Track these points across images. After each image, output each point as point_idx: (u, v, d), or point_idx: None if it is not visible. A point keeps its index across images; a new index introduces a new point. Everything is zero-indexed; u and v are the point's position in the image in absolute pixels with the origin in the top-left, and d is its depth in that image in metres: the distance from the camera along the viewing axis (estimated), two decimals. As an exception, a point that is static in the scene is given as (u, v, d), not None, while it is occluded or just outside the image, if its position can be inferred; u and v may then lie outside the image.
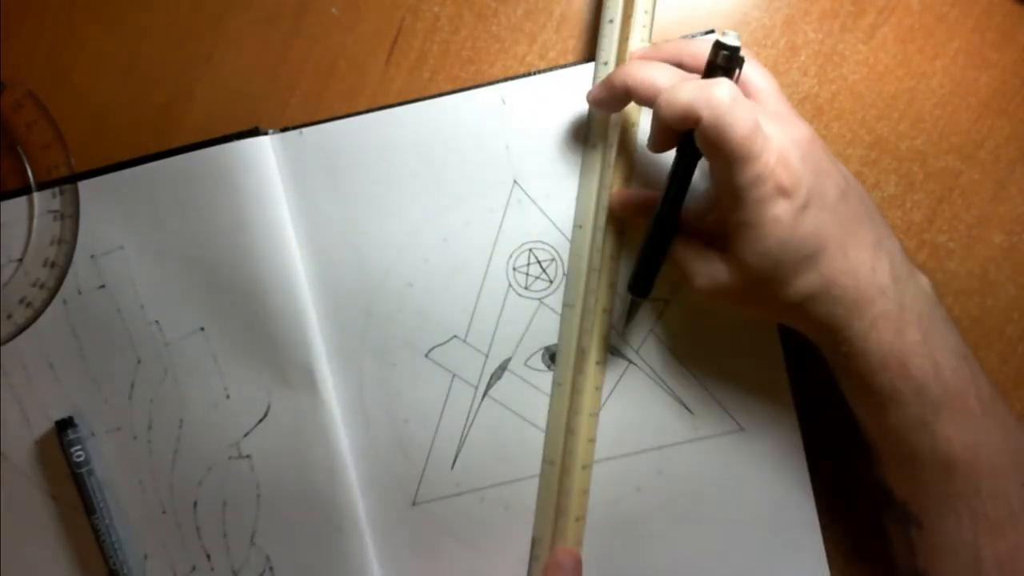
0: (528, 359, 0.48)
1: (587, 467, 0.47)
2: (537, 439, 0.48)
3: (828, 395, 0.48)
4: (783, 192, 0.36)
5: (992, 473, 0.38)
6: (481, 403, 0.48)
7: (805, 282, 0.38)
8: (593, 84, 0.46)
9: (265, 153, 0.47)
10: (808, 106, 0.48)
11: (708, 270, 0.40)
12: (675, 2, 0.48)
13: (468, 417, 0.48)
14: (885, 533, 0.43)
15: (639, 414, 0.47)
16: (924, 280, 0.41)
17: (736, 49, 0.38)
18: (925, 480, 0.39)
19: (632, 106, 0.44)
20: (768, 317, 0.43)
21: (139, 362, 0.48)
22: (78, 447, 0.47)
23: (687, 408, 0.47)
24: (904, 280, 0.39)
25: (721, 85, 0.36)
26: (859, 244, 0.38)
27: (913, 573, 0.41)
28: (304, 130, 0.47)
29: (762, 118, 0.37)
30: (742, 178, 0.36)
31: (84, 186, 0.47)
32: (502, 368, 0.48)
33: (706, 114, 0.35)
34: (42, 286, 0.47)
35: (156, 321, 0.48)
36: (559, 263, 0.47)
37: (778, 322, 0.45)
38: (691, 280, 0.40)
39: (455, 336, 0.48)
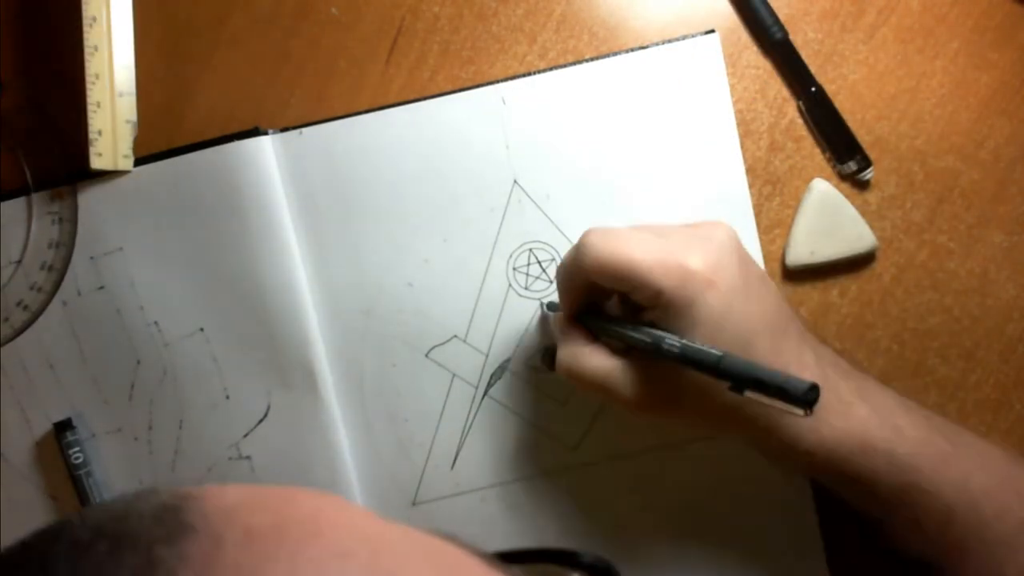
0: (528, 359, 0.48)
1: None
2: (537, 439, 0.48)
3: (828, 395, 0.48)
4: (708, 284, 0.36)
5: (988, 496, 0.38)
6: (481, 403, 0.48)
7: None
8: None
9: (265, 153, 0.47)
10: (808, 106, 0.48)
11: (636, 384, 0.39)
12: (675, 3, 0.48)
13: (468, 417, 0.48)
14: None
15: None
16: (829, 352, 0.41)
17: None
18: (932, 534, 0.39)
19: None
20: (706, 426, 0.41)
21: (139, 363, 0.48)
22: (76, 448, 0.47)
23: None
24: (826, 361, 0.39)
25: (587, 234, 0.38)
26: (785, 335, 0.38)
27: None
28: (304, 130, 0.47)
29: (666, 229, 0.39)
30: (652, 279, 0.36)
31: (83, 187, 0.47)
32: (502, 368, 0.48)
33: (585, 259, 0.38)
34: (39, 289, 0.47)
35: (156, 322, 0.47)
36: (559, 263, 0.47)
37: (718, 434, 0.42)
38: (618, 396, 0.39)
39: (455, 336, 0.48)
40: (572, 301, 0.42)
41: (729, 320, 0.37)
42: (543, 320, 0.47)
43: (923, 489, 0.38)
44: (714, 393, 0.36)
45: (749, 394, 0.33)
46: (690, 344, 0.36)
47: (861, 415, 0.38)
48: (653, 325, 0.38)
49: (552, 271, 0.47)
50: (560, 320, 0.43)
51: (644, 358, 0.39)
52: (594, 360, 0.40)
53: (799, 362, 0.38)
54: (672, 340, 0.37)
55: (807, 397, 0.32)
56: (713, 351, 0.35)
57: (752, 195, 0.47)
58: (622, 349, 0.40)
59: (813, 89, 0.47)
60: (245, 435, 0.48)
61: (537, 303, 0.47)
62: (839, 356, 0.41)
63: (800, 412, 0.32)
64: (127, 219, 0.47)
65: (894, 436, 0.38)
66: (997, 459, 0.40)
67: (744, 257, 0.39)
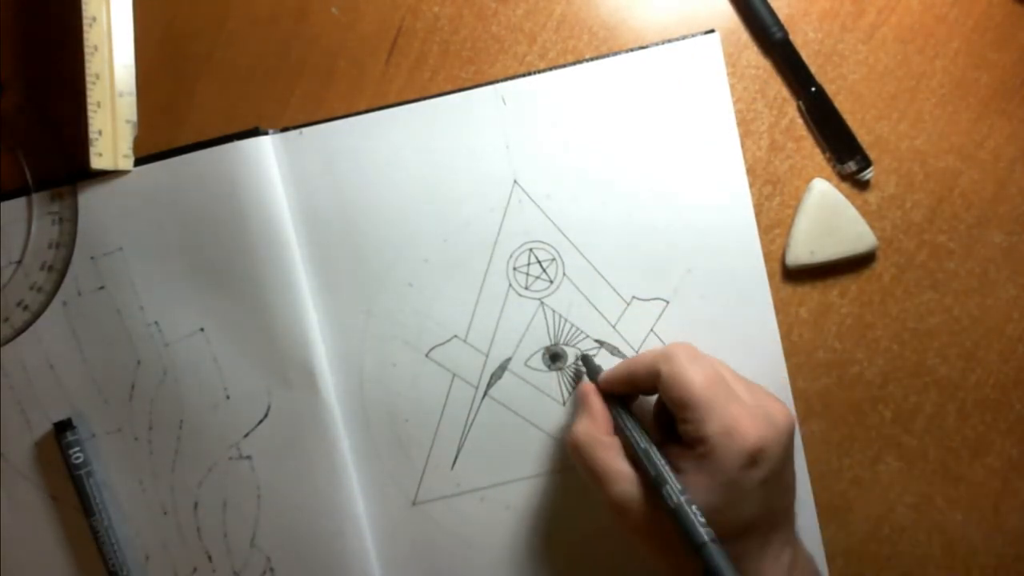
0: (528, 359, 0.48)
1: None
2: (537, 439, 0.48)
3: (828, 395, 0.48)
4: (753, 461, 0.37)
5: None
6: (481, 403, 0.48)
7: None
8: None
9: (265, 153, 0.47)
10: (808, 106, 0.48)
11: (632, 503, 0.39)
12: (675, 3, 0.48)
13: (468, 417, 0.48)
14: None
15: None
16: (808, 563, 0.42)
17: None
18: None
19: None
20: (664, 565, 0.40)
21: (139, 363, 0.48)
22: (76, 448, 0.47)
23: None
24: (798, 568, 0.40)
25: (675, 346, 0.41)
26: (776, 537, 0.40)
27: None
28: (304, 130, 0.47)
29: (740, 388, 0.40)
30: (710, 427, 0.37)
31: (83, 187, 0.47)
32: (502, 368, 0.48)
33: (664, 369, 0.39)
34: (40, 289, 0.47)
35: (156, 322, 0.47)
36: (559, 263, 0.47)
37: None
38: (608, 487, 0.40)
39: (455, 336, 0.48)
40: (617, 384, 0.43)
41: (742, 503, 0.38)
42: (575, 376, 0.48)
43: None
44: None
45: None
46: (686, 507, 0.36)
47: None
48: (673, 461, 0.39)
49: (552, 271, 0.47)
50: (591, 388, 0.44)
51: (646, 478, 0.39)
52: (606, 453, 0.41)
53: (776, 561, 0.39)
54: (674, 489, 0.37)
55: None
56: (703, 531, 0.35)
57: (752, 195, 0.47)
58: (631, 453, 0.41)
59: (813, 89, 0.47)
60: (245, 435, 0.48)
61: (538, 302, 0.47)
62: (815, 567, 0.43)
63: None
64: (127, 219, 0.47)
65: None
66: None
67: (789, 452, 0.40)
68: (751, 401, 0.40)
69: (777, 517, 0.40)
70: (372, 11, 0.48)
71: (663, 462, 0.39)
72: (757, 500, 0.38)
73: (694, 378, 0.39)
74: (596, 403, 0.43)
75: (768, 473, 0.38)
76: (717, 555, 0.35)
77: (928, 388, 0.48)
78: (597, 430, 0.42)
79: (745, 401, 0.39)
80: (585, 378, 0.47)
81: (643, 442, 0.40)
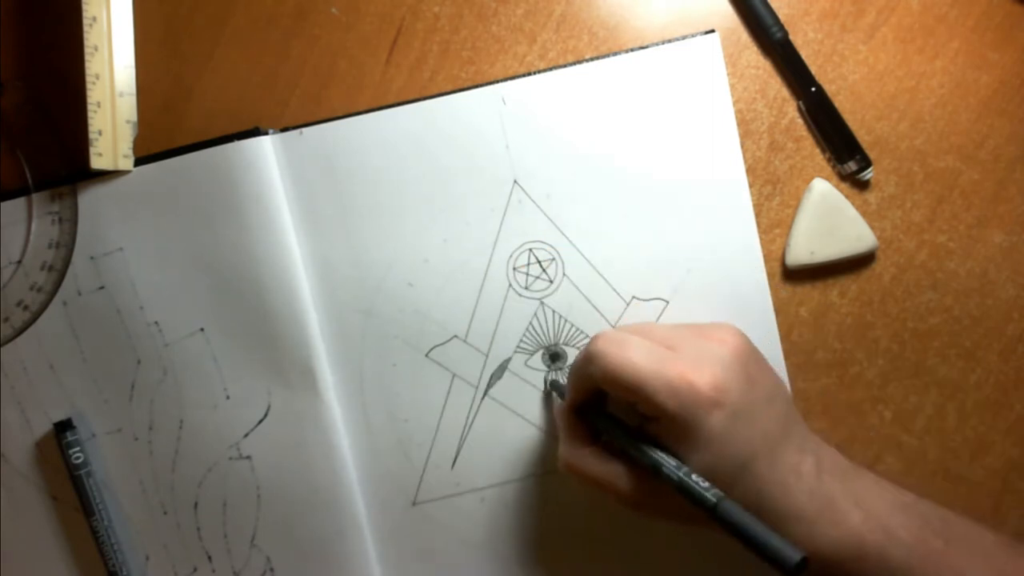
0: (528, 359, 0.48)
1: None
2: (537, 439, 0.48)
3: (828, 395, 0.48)
4: (714, 403, 0.37)
5: None
6: (481, 403, 0.48)
7: (737, 493, 0.37)
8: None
9: (265, 153, 0.47)
10: (808, 106, 0.48)
11: (636, 489, 0.40)
12: (675, 3, 0.48)
13: (468, 417, 0.48)
14: None
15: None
16: (830, 453, 0.41)
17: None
18: None
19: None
20: (694, 525, 0.41)
21: (139, 363, 0.48)
22: (76, 448, 0.47)
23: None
24: (825, 465, 0.40)
25: (595, 341, 0.40)
26: (786, 449, 0.39)
27: None
28: (304, 130, 0.47)
29: (676, 341, 0.40)
30: (658, 397, 0.37)
31: (83, 187, 0.47)
32: (502, 368, 0.48)
33: (592, 370, 0.39)
34: (39, 289, 0.47)
35: (156, 322, 0.47)
36: (559, 263, 0.47)
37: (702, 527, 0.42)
38: (620, 499, 0.40)
39: (455, 336, 0.48)
40: (577, 399, 0.43)
41: (730, 443, 0.38)
42: (547, 397, 0.48)
43: None
44: None
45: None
46: (687, 479, 0.37)
47: (855, 522, 0.38)
48: (656, 437, 0.39)
49: (552, 271, 0.47)
50: (563, 410, 0.44)
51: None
52: (596, 463, 0.41)
53: (796, 473, 0.39)
54: (670, 468, 0.37)
55: (796, 569, 0.33)
56: (709, 494, 0.36)
57: (752, 195, 0.47)
58: (621, 449, 0.41)
59: (813, 89, 0.47)
60: (245, 435, 0.48)
61: (538, 302, 0.47)
62: (838, 454, 0.41)
63: None
64: (127, 219, 0.47)
65: (887, 540, 0.38)
66: (991, 550, 0.40)
67: (752, 371, 0.40)
68: (690, 349, 0.39)
69: (773, 435, 0.39)
70: (372, 11, 0.48)
71: (650, 447, 0.39)
72: (739, 435, 0.38)
73: (624, 363, 0.38)
74: (570, 422, 0.43)
75: (735, 405, 0.38)
76: (731, 511, 0.35)
77: (928, 388, 0.48)
78: (579, 446, 0.42)
79: (684, 352, 0.39)
80: (557, 400, 0.47)
81: (625, 437, 0.40)
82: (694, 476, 0.37)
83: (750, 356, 0.40)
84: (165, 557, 0.48)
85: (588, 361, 0.40)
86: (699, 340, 0.40)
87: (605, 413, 0.43)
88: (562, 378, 0.48)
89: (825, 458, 0.40)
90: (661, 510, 0.40)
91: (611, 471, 0.40)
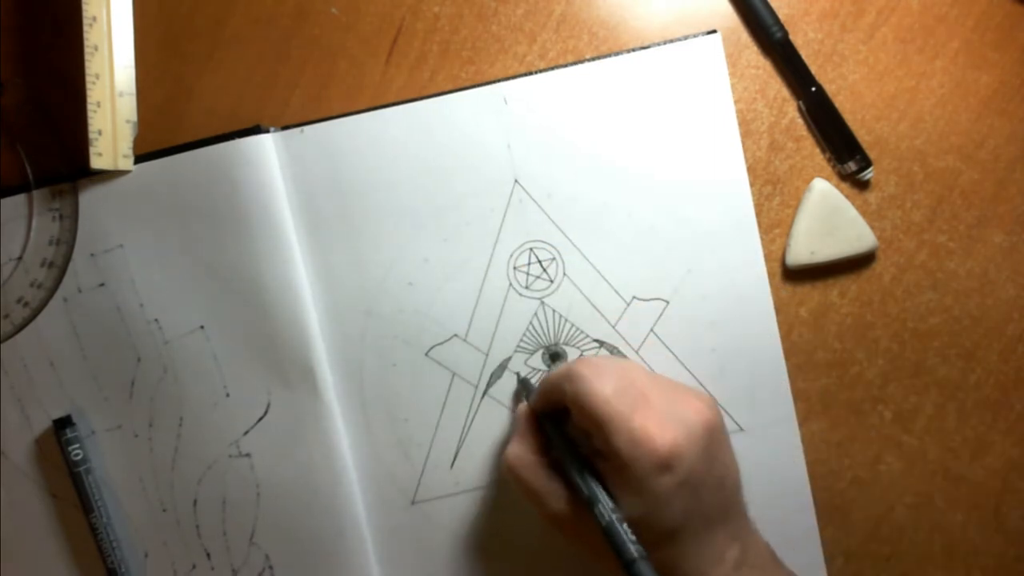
0: (529, 358, 0.48)
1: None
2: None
3: (828, 395, 0.48)
4: (666, 466, 0.37)
5: None
6: (481, 402, 0.48)
7: (656, 557, 0.37)
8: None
9: (266, 151, 0.47)
10: (808, 106, 0.48)
11: (566, 515, 0.40)
12: (675, 3, 0.48)
13: (468, 416, 0.48)
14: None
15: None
16: (763, 549, 0.41)
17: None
18: None
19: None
20: (604, 565, 0.41)
21: (139, 360, 0.48)
22: (76, 446, 0.47)
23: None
24: (749, 561, 0.40)
25: (579, 363, 0.40)
26: (717, 533, 0.39)
27: None
28: (305, 128, 0.47)
29: (654, 393, 0.39)
30: (617, 441, 0.37)
31: (84, 184, 0.47)
32: (502, 367, 0.48)
33: (567, 388, 0.40)
34: (40, 286, 0.47)
35: (156, 319, 0.48)
36: (560, 263, 0.47)
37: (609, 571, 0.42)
38: (546, 516, 0.41)
39: (455, 335, 0.48)
40: (542, 407, 0.43)
41: (667, 508, 0.38)
42: (517, 394, 0.48)
43: None
44: None
45: None
46: (616, 525, 0.37)
47: None
48: (600, 473, 0.40)
49: (553, 270, 0.47)
50: (524, 412, 0.44)
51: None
52: (537, 475, 0.41)
53: (719, 558, 0.39)
54: (604, 508, 0.38)
55: None
56: (632, 548, 0.36)
57: (752, 195, 0.47)
58: (564, 470, 0.41)
59: (813, 89, 0.47)
60: (245, 433, 0.48)
61: (538, 302, 0.47)
62: (768, 548, 0.42)
63: None
64: (128, 216, 0.47)
65: None
66: None
67: (713, 449, 0.40)
68: (663, 405, 0.39)
69: (711, 515, 0.39)
70: (372, 11, 0.48)
71: (593, 480, 0.39)
72: (680, 504, 0.38)
73: (597, 395, 0.38)
74: (528, 425, 0.43)
75: (686, 475, 0.38)
76: (645, 574, 0.36)
77: (928, 388, 0.48)
78: (528, 451, 0.42)
79: (656, 407, 0.39)
80: (523, 400, 0.47)
81: (573, 460, 0.40)
82: (624, 525, 0.37)
83: (717, 434, 0.40)
84: (164, 554, 0.48)
85: (565, 378, 0.40)
86: (675, 400, 0.40)
87: (562, 431, 0.43)
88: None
89: (751, 550, 0.41)
90: (582, 537, 0.40)
91: (548, 488, 0.41)
